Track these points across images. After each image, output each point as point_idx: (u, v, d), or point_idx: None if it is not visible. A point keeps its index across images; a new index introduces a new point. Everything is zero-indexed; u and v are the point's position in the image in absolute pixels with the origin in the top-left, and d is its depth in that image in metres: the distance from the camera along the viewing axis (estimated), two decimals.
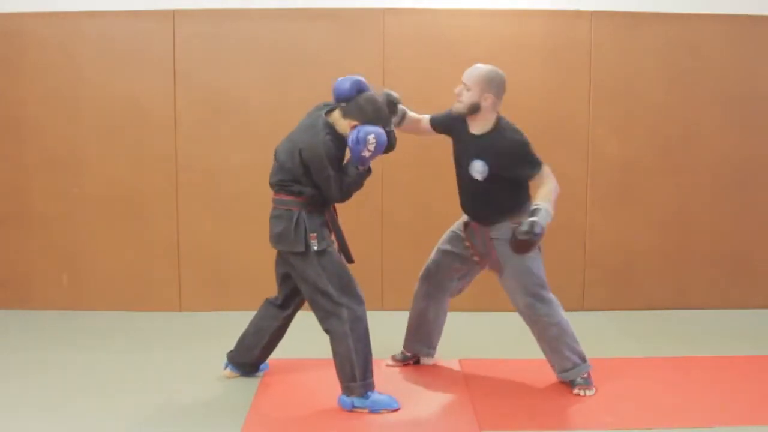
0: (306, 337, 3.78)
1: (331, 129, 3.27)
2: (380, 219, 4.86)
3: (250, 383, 3.63)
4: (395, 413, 3.30)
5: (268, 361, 3.75)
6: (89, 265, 4.86)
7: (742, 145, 4.90)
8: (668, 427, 3.18)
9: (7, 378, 3.72)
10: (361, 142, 3.16)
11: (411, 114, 3.70)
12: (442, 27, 4.76)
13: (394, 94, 3.61)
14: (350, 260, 3.44)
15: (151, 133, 4.77)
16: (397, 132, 3.64)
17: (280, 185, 3.34)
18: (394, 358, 3.91)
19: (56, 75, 4.73)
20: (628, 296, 4.97)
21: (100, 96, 4.73)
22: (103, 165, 4.78)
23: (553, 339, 3.51)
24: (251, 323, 3.67)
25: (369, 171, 3.33)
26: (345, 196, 3.31)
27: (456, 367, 3.88)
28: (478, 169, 3.44)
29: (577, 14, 4.78)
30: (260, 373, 3.74)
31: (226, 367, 3.71)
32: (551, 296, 3.51)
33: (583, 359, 3.52)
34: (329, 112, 3.35)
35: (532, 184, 3.43)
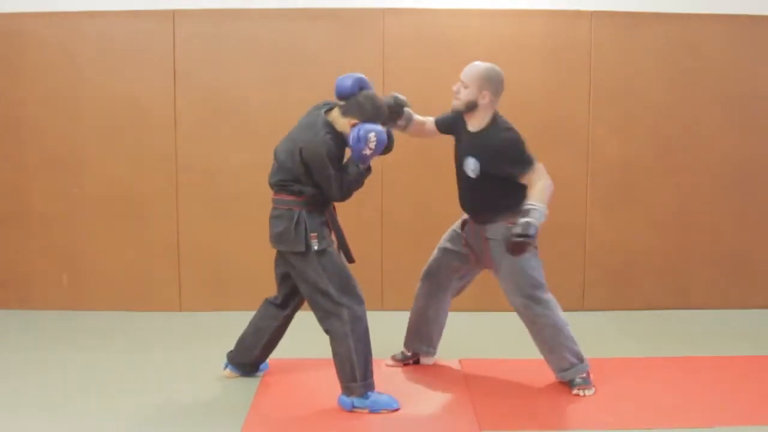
0: (306, 337, 3.78)
1: (330, 128, 3.27)
2: (380, 219, 4.86)
3: (250, 383, 3.63)
4: (395, 413, 3.30)
5: (268, 361, 3.75)
6: (89, 265, 4.86)
7: (742, 145, 4.90)
8: (668, 427, 3.18)
9: (7, 378, 3.72)
10: (362, 140, 3.16)
11: (417, 117, 3.70)
12: (442, 27, 4.76)
13: (402, 97, 3.61)
14: (351, 260, 3.44)
15: (151, 133, 4.77)
16: (400, 134, 3.64)
17: (280, 185, 3.34)
18: (394, 357, 3.91)
19: (56, 75, 4.73)
20: (628, 296, 4.97)
21: (100, 96, 4.73)
22: (103, 165, 4.78)
23: (549, 339, 3.51)
24: (250, 323, 3.67)
25: (369, 169, 3.33)
26: (346, 194, 3.31)
27: (456, 367, 3.88)
28: (471, 166, 3.45)
29: (577, 14, 4.78)
30: (260, 373, 3.74)
31: (226, 367, 3.71)
32: (547, 297, 3.49)
33: (581, 359, 3.51)
34: (328, 111, 3.35)
35: (524, 182, 3.38)
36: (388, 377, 3.66)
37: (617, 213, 4.91)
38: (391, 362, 3.89)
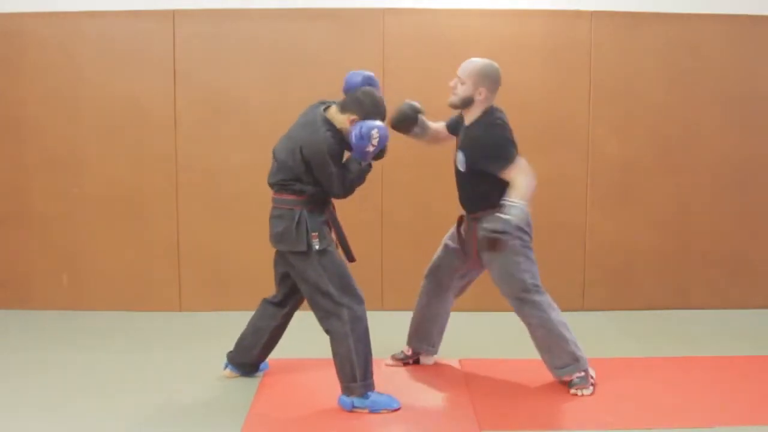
0: (306, 337, 3.78)
1: (330, 125, 3.27)
2: (380, 219, 4.86)
3: (250, 383, 3.63)
4: (395, 413, 3.30)
5: (268, 360, 3.75)
6: (89, 265, 4.86)
7: (742, 145, 4.90)
8: (668, 427, 3.18)
9: (7, 378, 3.71)
10: (365, 137, 3.16)
11: (431, 124, 3.70)
12: (442, 27, 4.76)
13: (416, 104, 3.62)
14: (351, 259, 3.44)
15: (151, 133, 4.77)
16: (400, 134, 3.64)
17: (280, 185, 3.33)
18: (394, 357, 3.91)
19: (56, 75, 4.73)
20: (628, 296, 4.96)
21: (100, 96, 4.73)
22: (103, 165, 4.78)
23: (541, 340, 3.52)
24: (249, 323, 3.67)
25: (370, 165, 3.34)
26: (347, 191, 3.32)
27: (456, 367, 3.88)
28: (460, 159, 3.48)
29: (577, 14, 4.78)
30: (260, 373, 3.74)
31: (225, 367, 3.71)
32: (538, 298, 3.48)
33: (575, 359, 3.50)
34: (326, 108, 3.35)
35: (504, 178, 3.34)
36: (388, 377, 3.66)
37: (617, 213, 4.91)
38: (391, 361, 3.89)
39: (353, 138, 3.18)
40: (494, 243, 3.28)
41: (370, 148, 3.18)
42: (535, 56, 4.78)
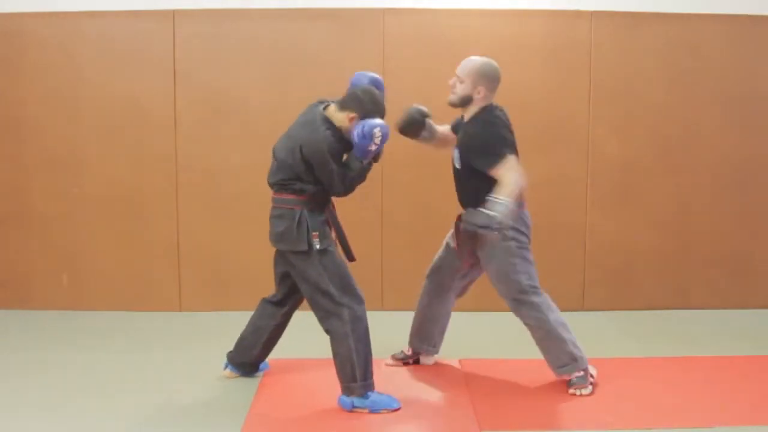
0: (306, 337, 3.78)
1: (329, 123, 3.27)
2: (380, 219, 4.86)
3: (250, 383, 3.63)
4: (395, 413, 3.30)
5: (268, 360, 3.76)
6: (89, 265, 4.86)
7: (742, 145, 4.90)
8: (668, 427, 3.18)
9: (7, 378, 3.71)
10: (368, 136, 3.16)
11: (439, 128, 3.70)
12: (442, 27, 4.76)
13: (424, 108, 3.62)
14: (351, 258, 3.44)
15: (151, 133, 4.77)
16: (405, 137, 3.64)
17: (281, 184, 3.33)
18: (394, 356, 3.90)
19: (56, 75, 4.73)
20: (628, 296, 4.96)
21: (100, 96, 4.73)
22: (103, 165, 4.78)
23: (541, 340, 3.53)
24: (249, 323, 3.67)
25: (371, 164, 3.35)
26: (348, 189, 3.32)
27: (456, 367, 3.88)
28: (456, 156, 3.50)
29: (577, 14, 4.78)
30: (260, 373, 3.74)
31: (225, 367, 3.71)
32: (535, 299, 3.48)
33: (574, 359, 3.50)
34: (326, 107, 3.36)
35: (493, 175, 3.33)
36: (388, 377, 3.66)
37: (617, 213, 4.91)
38: (391, 361, 3.89)
39: (356, 137, 3.18)
40: (475, 237, 3.27)
41: (373, 147, 3.19)
42: (535, 56, 4.78)
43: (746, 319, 4.77)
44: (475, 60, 3.45)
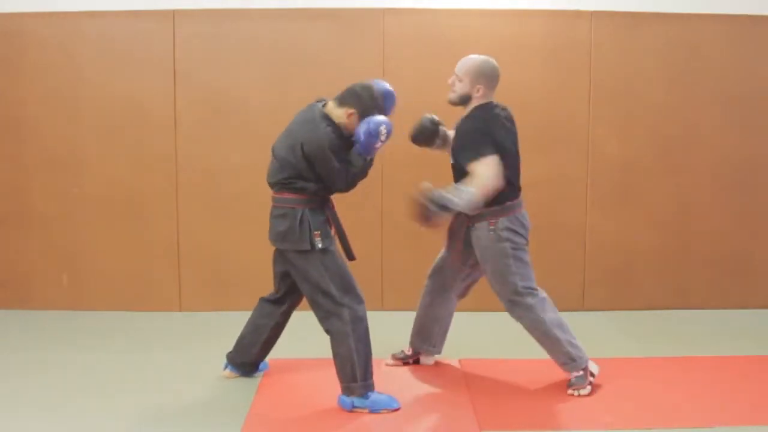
0: (306, 337, 3.79)
1: (329, 120, 3.28)
2: (380, 219, 4.86)
3: (250, 383, 3.63)
4: (395, 413, 3.30)
5: (267, 360, 3.76)
6: (89, 265, 4.86)
7: (742, 145, 4.90)
8: (668, 427, 3.18)
9: (7, 378, 3.71)
10: (374, 134, 3.19)
11: (450, 133, 3.69)
12: (442, 27, 4.76)
13: (436, 117, 3.63)
14: (351, 257, 3.44)
15: (151, 133, 4.77)
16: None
17: (282, 184, 3.32)
18: (394, 356, 3.90)
19: (56, 75, 4.73)
20: (628, 296, 4.97)
21: (100, 96, 4.73)
22: (103, 165, 4.78)
23: (539, 341, 3.53)
24: (248, 322, 3.67)
25: (372, 160, 3.36)
26: (350, 186, 3.33)
27: (456, 367, 3.88)
28: (450, 152, 3.52)
29: (577, 14, 4.78)
30: (260, 373, 3.74)
31: (225, 367, 3.71)
32: (530, 301, 3.47)
33: (572, 359, 3.49)
34: (324, 105, 3.36)
35: (469, 171, 3.34)
36: (388, 377, 3.66)
37: (617, 213, 4.91)
38: (391, 361, 3.89)
39: (361, 135, 3.20)
40: (424, 215, 3.27)
41: (378, 144, 3.21)
42: (535, 56, 4.78)
43: (746, 319, 4.77)
44: (474, 58, 3.46)
